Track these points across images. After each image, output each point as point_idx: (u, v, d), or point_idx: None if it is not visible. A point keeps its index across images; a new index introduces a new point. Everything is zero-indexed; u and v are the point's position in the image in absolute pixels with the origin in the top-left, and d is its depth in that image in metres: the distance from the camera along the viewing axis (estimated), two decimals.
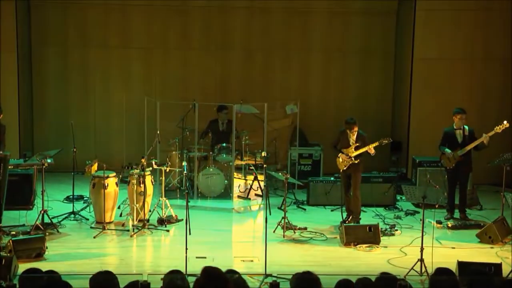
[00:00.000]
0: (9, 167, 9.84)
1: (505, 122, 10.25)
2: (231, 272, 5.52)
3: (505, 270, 8.28)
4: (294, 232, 10.03)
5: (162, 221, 10.32)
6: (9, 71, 12.56)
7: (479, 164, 11.29)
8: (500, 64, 13.01)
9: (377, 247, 9.47)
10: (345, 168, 10.28)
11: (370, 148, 10.07)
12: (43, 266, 6.65)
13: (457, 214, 10.81)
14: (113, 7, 13.42)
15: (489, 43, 12.98)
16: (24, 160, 10.39)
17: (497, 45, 12.96)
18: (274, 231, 9.98)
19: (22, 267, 7.73)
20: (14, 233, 9.43)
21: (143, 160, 10.26)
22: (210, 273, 4.87)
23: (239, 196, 11.86)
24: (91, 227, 10.19)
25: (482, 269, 7.21)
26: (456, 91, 12.90)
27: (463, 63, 13.06)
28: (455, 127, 10.63)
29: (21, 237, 9.14)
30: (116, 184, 10.42)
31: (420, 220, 8.72)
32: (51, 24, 13.36)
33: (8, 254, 8.35)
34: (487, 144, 10.35)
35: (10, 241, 8.71)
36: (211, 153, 11.72)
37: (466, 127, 10.60)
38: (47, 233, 9.54)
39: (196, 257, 8.69)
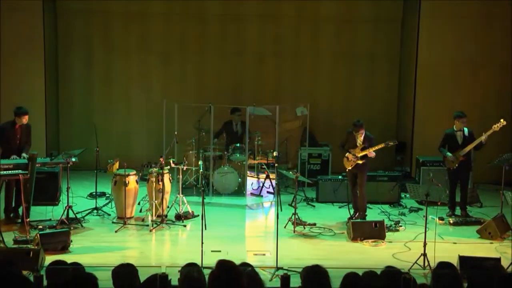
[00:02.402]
0: (37, 165, 9.89)
1: (502, 120, 10.21)
2: (244, 265, 5.51)
3: (504, 265, 8.21)
4: (304, 228, 10.01)
5: (179, 217, 10.33)
6: (37, 75, 12.62)
7: (480, 164, 11.24)
8: (501, 68, 12.93)
9: (383, 242, 9.44)
10: (351, 168, 10.25)
11: (370, 152, 10.04)
12: (68, 258, 6.66)
13: (458, 211, 10.76)
14: (134, 15, 13.45)
15: (490, 48, 12.90)
16: (51, 159, 10.42)
17: (497, 50, 12.88)
18: (285, 227, 9.97)
19: (49, 259, 7.79)
20: (41, 227, 9.47)
21: (161, 159, 10.29)
22: (224, 265, 4.87)
23: (252, 194, 11.86)
24: (113, 222, 10.22)
25: (482, 263, 7.15)
26: (458, 95, 12.83)
27: (465, 67, 12.98)
28: (455, 129, 10.59)
29: (47, 231, 9.16)
30: (136, 181, 10.44)
31: (423, 216, 8.68)
32: (76, 31, 13.42)
33: (36, 247, 8.40)
34: (485, 142, 10.28)
35: (38, 234, 8.75)
36: (225, 152, 11.73)
37: (466, 129, 10.55)
38: (71, 228, 9.58)
39: (211, 251, 8.70)
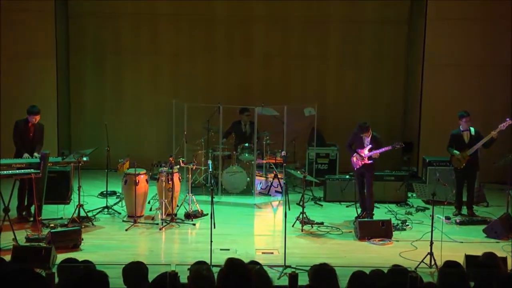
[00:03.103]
0: (48, 164, 9.93)
1: (508, 119, 10.17)
2: (253, 263, 5.50)
3: (510, 264, 8.19)
4: (312, 227, 10.00)
5: (188, 216, 10.35)
6: (49, 76, 12.67)
7: (486, 163, 11.19)
8: (504, 69, 12.88)
9: (390, 241, 9.41)
10: (358, 167, 10.23)
11: (376, 154, 10.02)
12: (79, 256, 6.68)
13: (464, 211, 10.73)
14: (144, 18, 13.48)
15: (494, 50, 12.86)
16: (62, 158, 10.46)
17: (501, 51, 12.83)
18: (293, 226, 9.96)
19: (60, 257, 7.80)
20: (53, 225, 9.50)
21: (171, 159, 10.30)
22: (233, 264, 4.86)
23: (260, 193, 11.85)
24: (123, 221, 10.24)
25: (488, 262, 7.12)
26: (463, 95, 12.79)
27: (471, 68, 12.94)
28: (461, 129, 10.56)
29: (59, 229, 9.19)
30: (146, 180, 10.47)
31: (430, 216, 8.65)
32: (88, 33, 13.47)
33: (47, 245, 8.42)
34: (496, 138, 10.23)
35: (49, 232, 8.79)
36: (234, 152, 11.73)
37: (472, 129, 10.52)
38: (83, 226, 9.60)
39: (220, 249, 8.70)
